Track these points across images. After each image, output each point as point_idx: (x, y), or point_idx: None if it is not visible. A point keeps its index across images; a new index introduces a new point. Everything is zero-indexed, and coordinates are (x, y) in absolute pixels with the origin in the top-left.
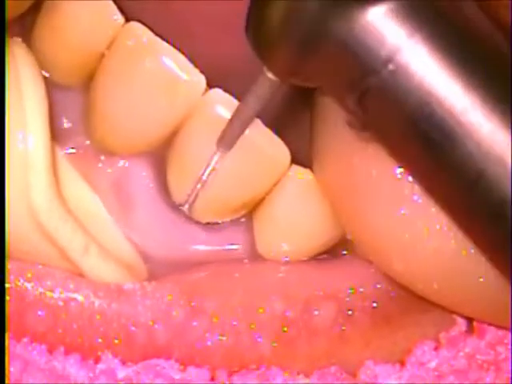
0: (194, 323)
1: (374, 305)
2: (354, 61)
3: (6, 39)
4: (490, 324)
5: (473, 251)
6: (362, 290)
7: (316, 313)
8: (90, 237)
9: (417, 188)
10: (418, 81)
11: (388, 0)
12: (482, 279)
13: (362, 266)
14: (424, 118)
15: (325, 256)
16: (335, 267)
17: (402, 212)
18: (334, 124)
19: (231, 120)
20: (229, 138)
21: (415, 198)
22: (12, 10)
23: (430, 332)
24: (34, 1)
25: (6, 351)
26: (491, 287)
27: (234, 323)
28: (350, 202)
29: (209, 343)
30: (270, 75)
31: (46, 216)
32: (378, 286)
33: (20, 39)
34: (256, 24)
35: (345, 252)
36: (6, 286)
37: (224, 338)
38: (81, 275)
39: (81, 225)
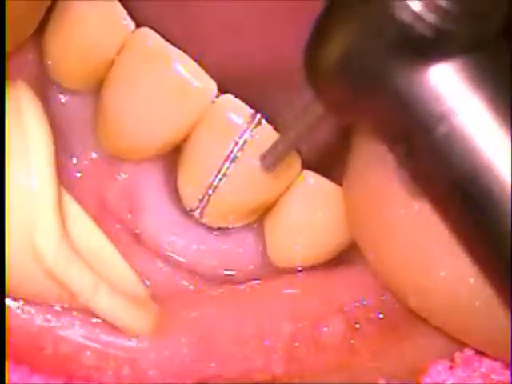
0: (205, 363)
1: (380, 316)
2: (406, 114)
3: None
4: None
5: (488, 299)
6: (367, 301)
7: (325, 329)
8: (98, 275)
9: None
10: (468, 144)
11: (453, 57)
12: (495, 324)
13: (367, 276)
14: (468, 182)
15: (330, 266)
16: (340, 279)
17: (421, 257)
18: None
19: (275, 143)
20: (272, 160)
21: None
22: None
23: (438, 342)
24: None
25: (6, 354)
26: (505, 331)
27: (246, 353)
28: (374, 231)
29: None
30: (319, 107)
31: (52, 258)
32: (383, 297)
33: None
34: (314, 55)
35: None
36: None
37: (236, 367)
38: (93, 315)
39: (88, 264)
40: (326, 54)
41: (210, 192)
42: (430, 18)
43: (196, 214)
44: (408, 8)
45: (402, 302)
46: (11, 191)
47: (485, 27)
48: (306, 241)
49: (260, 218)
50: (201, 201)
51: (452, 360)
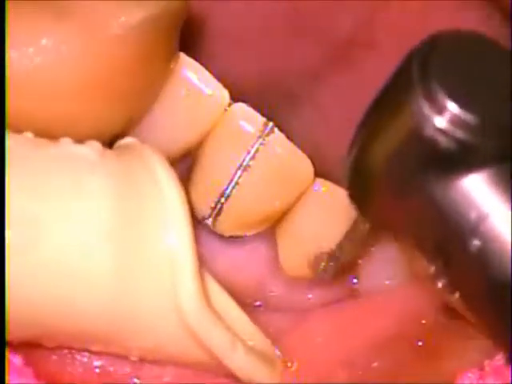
0: None
1: (420, 343)
2: (441, 223)
3: None
4: None
5: None
6: (406, 330)
7: (374, 364)
8: (234, 334)
9: None
10: (501, 253)
11: (482, 168)
12: None
13: (402, 304)
14: (504, 292)
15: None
16: (375, 310)
17: None
18: None
19: (336, 255)
20: (332, 270)
21: None
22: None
23: (475, 358)
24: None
25: (6, 355)
26: None
27: None
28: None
29: None
30: (364, 223)
31: (195, 318)
32: (423, 321)
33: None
34: (354, 174)
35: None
36: None
37: None
38: (228, 375)
39: (225, 321)
40: (366, 175)
41: (223, 200)
42: (455, 133)
43: (208, 222)
44: (433, 125)
45: (431, 287)
46: (153, 252)
47: (510, 140)
48: (318, 249)
49: (272, 226)
50: (213, 209)
51: (482, 368)
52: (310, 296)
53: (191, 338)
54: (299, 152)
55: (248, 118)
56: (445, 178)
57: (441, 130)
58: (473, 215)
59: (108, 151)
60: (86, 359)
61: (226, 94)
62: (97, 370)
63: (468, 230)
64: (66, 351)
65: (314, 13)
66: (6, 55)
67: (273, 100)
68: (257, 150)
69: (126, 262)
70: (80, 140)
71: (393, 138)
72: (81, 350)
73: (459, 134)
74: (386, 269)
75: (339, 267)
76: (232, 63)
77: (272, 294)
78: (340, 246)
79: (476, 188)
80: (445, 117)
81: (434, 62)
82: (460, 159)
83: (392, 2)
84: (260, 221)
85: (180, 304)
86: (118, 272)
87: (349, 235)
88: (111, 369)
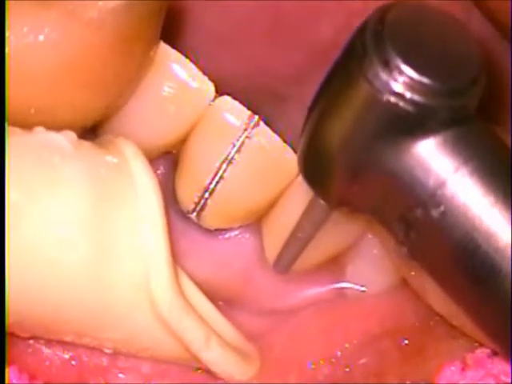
0: None
1: (405, 342)
2: (401, 192)
3: None
4: None
5: None
6: (391, 330)
7: (361, 361)
8: (209, 327)
9: None
10: (463, 215)
11: (437, 133)
12: None
13: (389, 305)
14: (468, 254)
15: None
16: (361, 310)
17: None
18: None
19: (287, 243)
20: (285, 261)
21: None
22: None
23: (459, 356)
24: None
25: (7, 353)
26: None
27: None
28: None
29: None
30: (321, 202)
31: (167, 309)
32: (409, 322)
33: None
34: (307, 154)
35: None
36: None
37: None
38: (201, 369)
39: (199, 315)
40: (318, 151)
41: (207, 195)
42: (413, 96)
43: (193, 216)
44: (391, 89)
45: (424, 301)
46: (127, 244)
47: (464, 102)
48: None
49: (258, 220)
50: (198, 203)
51: (464, 361)
52: (295, 291)
53: (165, 329)
54: (284, 145)
55: (233, 111)
56: (401, 145)
57: (399, 94)
58: (431, 180)
59: (84, 142)
60: (61, 352)
61: (211, 87)
62: (73, 363)
63: (428, 195)
64: (42, 342)
65: (297, 17)
66: (5, 58)
67: (258, 100)
68: (242, 143)
69: (99, 253)
70: (55, 129)
71: (348, 111)
72: (54, 341)
73: (416, 96)
74: (374, 270)
75: (293, 258)
76: (218, 63)
77: (257, 287)
78: (296, 233)
79: (432, 153)
80: (401, 81)
81: (386, 30)
82: (416, 123)
83: (369, 5)
84: (246, 214)
85: (153, 295)
86: (92, 262)
87: (305, 220)
88: (86, 359)
